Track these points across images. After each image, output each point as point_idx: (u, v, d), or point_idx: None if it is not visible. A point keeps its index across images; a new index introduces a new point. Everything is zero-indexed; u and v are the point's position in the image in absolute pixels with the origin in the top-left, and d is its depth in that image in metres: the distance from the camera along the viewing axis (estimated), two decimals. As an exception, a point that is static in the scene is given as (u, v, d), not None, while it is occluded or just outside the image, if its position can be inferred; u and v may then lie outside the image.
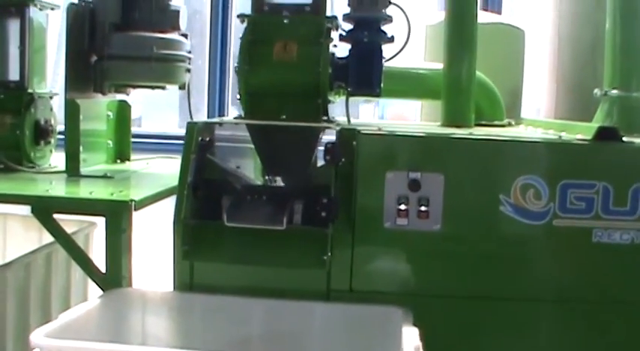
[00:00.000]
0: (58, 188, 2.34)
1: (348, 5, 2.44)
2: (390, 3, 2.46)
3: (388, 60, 2.57)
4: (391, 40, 2.45)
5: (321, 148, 2.15)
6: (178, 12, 2.69)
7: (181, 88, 2.79)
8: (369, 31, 2.41)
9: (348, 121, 2.57)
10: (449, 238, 2.05)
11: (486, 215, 2.03)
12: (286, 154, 2.13)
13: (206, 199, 2.07)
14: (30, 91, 2.73)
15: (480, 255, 2.05)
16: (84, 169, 2.63)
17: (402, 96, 3.15)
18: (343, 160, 2.06)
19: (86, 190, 2.25)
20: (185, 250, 2.07)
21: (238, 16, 2.42)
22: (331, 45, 2.40)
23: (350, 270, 2.09)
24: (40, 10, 2.75)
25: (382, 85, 2.47)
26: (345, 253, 2.08)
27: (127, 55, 2.62)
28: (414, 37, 2.71)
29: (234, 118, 2.45)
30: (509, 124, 2.90)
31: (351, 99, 2.46)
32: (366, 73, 2.41)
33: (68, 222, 2.66)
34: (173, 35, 2.70)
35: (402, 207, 2.04)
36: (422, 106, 3.52)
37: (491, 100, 2.89)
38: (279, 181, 2.16)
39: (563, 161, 2.04)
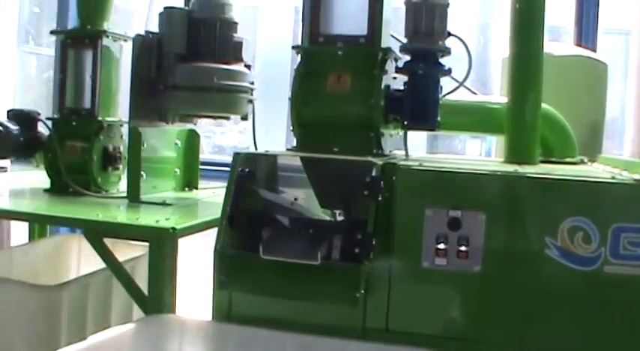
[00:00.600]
0: (111, 213, 2.41)
1: (405, 36, 2.40)
2: (450, 34, 2.40)
3: (447, 94, 2.50)
4: (448, 72, 2.38)
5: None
6: (241, 43, 2.73)
7: (243, 118, 2.83)
8: (424, 62, 2.35)
9: (406, 154, 2.51)
10: (490, 280, 1.93)
11: (530, 258, 1.91)
12: (328, 186, 2.10)
13: (245, 231, 2.06)
14: (100, 118, 2.84)
15: (523, 301, 1.92)
16: (149, 196, 2.70)
17: (467, 130, 3.05)
18: (382, 195, 1.99)
19: (136, 216, 2.31)
20: (221, 280, 2.07)
21: (293, 48, 2.43)
22: (387, 77, 2.37)
23: (386, 309, 2.01)
24: (113, 41, 2.87)
25: (439, 118, 2.41)
26: (381, 292, 2.01)
27: (189, 85, 2.68)
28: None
29: (287, 149, 2.45)
30: (582, 162, 2.74)
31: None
32: (420, 106, 2.35)
33: (137, 247, 2.75)
34: (235, 66, 2.74)
35: (441, 246, 1.95)
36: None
37: (561, 135, 2.74)
38: (322, 215, 2.12)
39: (615, 202, 1.89)
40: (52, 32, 2.88)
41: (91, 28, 2.85)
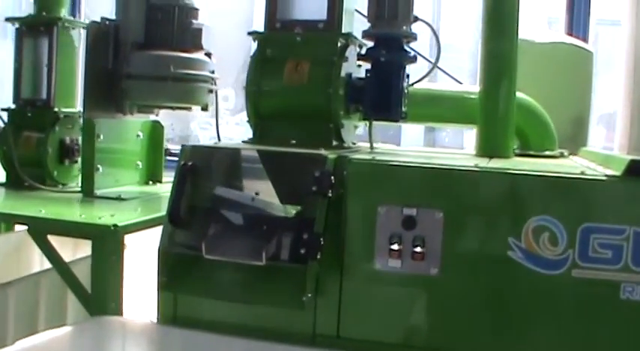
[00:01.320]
0: (57, 209, 2.27)
1: (368, 21, 2.26)
2: (417, 19, 2.25)
3: (414, 83, 2.36)
4: (413, 59, 2.24)
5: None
6: (201, 30, 2.59)
7: (204, 109, 2.69)
8: (387, 49, 2.20)
9: (371, 147, 2.37)
10: (449, 285, 1.79)
11: (492, 261, 1.76)
12: (278, 181, 1.95)
13: (189, 228, 1.93)
14: (56, 109, 2.71)
15: (484, 307, 1.77)
16: (106, 190, 2.57)
17: (436, 121, 2.89)
18: (333, 191, 1.85)
19: (82, 213, 2.18)
20: (164, 281, 1.93)
21: (249, 34, 2.29)
22: (349, 64, 2.23)
23: (337, 314, 1.88)
24: (72, 28, 2.73)
25: (405, 108, 2.27)
26: (332, 295, 1.87)
27: (145, 74, 2.55)
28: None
29: (243, 142, 2.31)
30: (561, 156, 2.58)
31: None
32: (382, 95, 2.21)
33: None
34: (194, 54, 2.60)
35: (395, 246, 1.80)
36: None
37: (539, 127, 2.59)
38: (271, 212, 1.98)
39: (585, 200, 1.74)
40: (7, 19, 2.75)
41: (46, 15, 2.72)
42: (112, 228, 2.01)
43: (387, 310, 1.84)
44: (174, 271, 1.93)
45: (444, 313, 1.81)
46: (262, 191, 1.92)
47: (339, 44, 2.20)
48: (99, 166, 2.56)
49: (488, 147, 2.31)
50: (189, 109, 2.71)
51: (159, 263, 1.93)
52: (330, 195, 1.84)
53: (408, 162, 1.86)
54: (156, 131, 2.93)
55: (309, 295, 1.80)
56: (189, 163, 1.95)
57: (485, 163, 1.94)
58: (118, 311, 2.11)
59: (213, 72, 2.66)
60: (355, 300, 1.86)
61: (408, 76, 2.29)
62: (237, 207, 1.94)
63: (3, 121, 2.72)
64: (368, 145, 2.36)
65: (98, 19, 2.55)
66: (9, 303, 2.33)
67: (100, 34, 2.54)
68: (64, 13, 2.77)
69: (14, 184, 2.69)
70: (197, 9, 2.64)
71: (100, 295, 2.08)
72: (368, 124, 2.37)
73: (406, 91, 2.25)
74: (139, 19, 2.57)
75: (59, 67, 2.70)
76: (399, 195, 1.82)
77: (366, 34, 2.25)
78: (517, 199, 1.77)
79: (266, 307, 1.91)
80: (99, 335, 1.95)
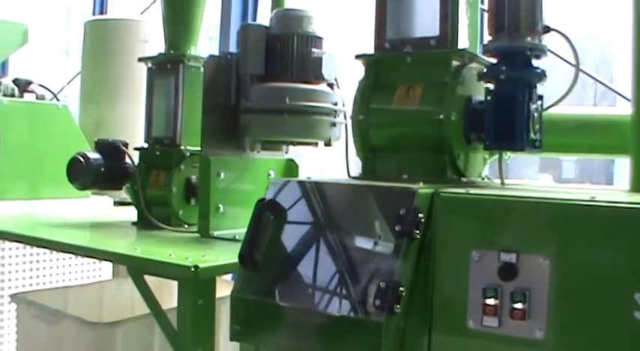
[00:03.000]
0: (154, 248, 2.18)
1: (489, 34, 1.93)
2: (549, 29, 1.89)
3: (550, 106, 1.97)
4: (540, 76, 1.86)
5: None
6: (320, 59, 2.41)
7: (327, 144, 2.49)
8: (509, 65, 1.86)
9: (502, 182, 2.02)
10: (557, 352, 1.39)
11: (613, 323, 1.34)
12: (363, 221, 1.68)
13: (264, 272, 1.72)
14: (182, 147, 2.68)
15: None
16: (228, 231, 2.45)
17: (581, 151, 2.41)
18: (421, 232, 1.55)
19: (180, 252, 2.06)
20: (235, 330, 1.74)
21: (356, 58, 2.07)
22: (469, 86, 1.92)
23: (426, 381, 1.55)
24: (196, 67, 2.70)
25: (539, 136, 1.89)
26: (419, 357, 1.55)
27: (261, 108, 2.41)
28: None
29: (351, 177, 2.08)
30: None
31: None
32: (504, 121, 1.85)
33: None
34: (314, 85, 2.42)
35: (491, 301, 1.45)
36: None
37: None
38: (354, 255, 1.71)
39: None
40: (139, 60, 2.79)
41: (173, 53, 2.72)
42: (193, 269, 1.86)
43: (484, 381, 1.48)
44: (246, 318, 1.73)
45: (554, 389, 1.41)
46: (347, 231, 1.67)
47: (453, 63, 1.91)
48: (220, 205, 2.46)
49: (643, 180, 1.85)
50: (312, 144, 2.52)
51: (231, 310, 1.74)
52: (417, 237, 1.54)
53: (507, 195, 1.50)
54: (290, 170, 2.78)
55: (385, 354, 1.50)
56: (268, 199, 1.76)
57: (621, 197, 1.52)
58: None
59: (336, 104, 2.46)
60: (445, 364, 1.53)
61: (541, 97, 1.92)
62: (315, 249, 1.70)
63: (131, 159, 2.74)
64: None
65: (217, 53, 2.48)
66: (116, 342, 2.27)
67: (220, 68, 2.47)
68: (193, 50, 2.75)
69: (145, 223, 2.68)
70: (320, 37, 2.47)
71: (184, 341, 1.93)
72: (499, 158, 2.03)
73: (536, 114, 1.88)
74: (258, 51, 2.45)
75: (185, 104, 2.67)
76: (497, 237, 1.47)
77: (485, 50, 1.92)
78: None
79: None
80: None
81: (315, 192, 1.75)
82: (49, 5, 7.51)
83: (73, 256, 3.05)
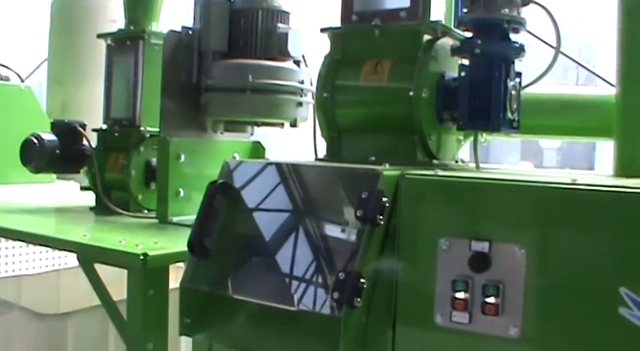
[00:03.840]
0: (105, 235, 2.03)
1: (464, 6, 1.79)
2: (529, 1, 1.75)
3: (528, 85, 1.84)
4: (519, 51, 1.72)
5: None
6: (286, 35, 2.26)
7: (292, 125, 2.34)
8: (485, 39, 1.72)
9: (477, 165, 1.88)
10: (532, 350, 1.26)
11: (595, 319, 1.21)
12: (324, 205, 1.54)
13: (217, 261, 1.58)
14: (141, 128, 2.52)
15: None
16: (189, 217, 2.30)
17: (563, 133, 2.28)
18: (386, 218, 1.41)
19: (130, 239, 1.91)
20: (185, 323, 1.59)
21: (322, 31, 1.92)
22: (442, 62, 1.78)
23: (390, 381, 1.42)
24: (158, 44, 2.53)
25: (517, 116, 1.76)
26: (383, 355, 1.42)
27: (223, 86, 2.26)
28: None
29: (316, 159, 1.94)
30: None
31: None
32: (479, 100, 1.72)
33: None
34: (279, 63, 2.27)
35: (461, 295, 1.31)
36: None
37: None
38: (313, 243, 1.57)
39: None
40: (98, 36, 2.62)
41: (133, 29, 2.55)
42: (142, 257, 1.71)
43: (451, 381, 1.35)
44: (197, 311, 1.59)
45: (528, 391, 1.28)
46: (306, 216, 1.53)
47: (424, 36, 1.77)
48: (180, 189, 2.31)
49: (628, 164, 1.72)
50: (277, 125, 2.38)
51: (180, 301, 1.60)
52: (381, 223, 1.40)
53: (479, 178, 1.36)
54: (257, 153, 2.63)
55: (345, 353, 1.37)
56: (220, 182, 1.61)
57: (604, 180, 1.38)
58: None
59: (303, 82, 2.32)
60: (410, 363, 1.39)
61: (519, 74, 1.78)
62: (273, 236, 1.56)
63: (88, 141, 2.58)
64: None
65: (178, 29, 2.32)
66: (67, 334, 2.12)
67: (181, 45, 2.31)
68: (154, 26, 2.59)
69: (103, 209, 2.52)
70: (286, 12, 2.32)
71: (135, 335, 1.79)
72: (474, 139, 1.90)
73: (514, 92, 1.74)
74: (221, 26, 2.30)
75: (145, 83, 2.51)
76: (468, 223, 1.33)
77: (459, 23, 1.78)
78: (632, 231, 1.20)
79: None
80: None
81: (272, 174, 1.61)
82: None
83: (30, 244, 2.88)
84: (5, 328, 2.22)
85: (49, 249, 3.04)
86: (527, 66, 1.84)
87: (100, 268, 1.98)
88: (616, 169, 1.75)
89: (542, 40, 1.94)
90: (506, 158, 6.88)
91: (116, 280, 2.14)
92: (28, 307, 2.28)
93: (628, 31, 1.74)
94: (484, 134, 1.90)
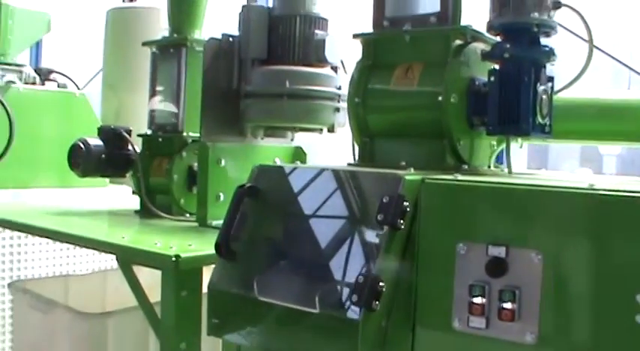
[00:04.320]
0: (143, 237, 2.10)
1: (493, 10, 1.78)
2: (560, 4, 1.73)
3: (561, 90, 1.82)
4: (549, 55, 1.71)
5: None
6: (323, 41, 2.29)
7: (330, 130, 2.37)
8: (514, 44, 1.71)
9: (509, 171, 1.87)
10: (550, 358, 1.25)
11: (612, 326, 1.19)
12: (348, 209, 1.55)
13: (242, 263, 1.61)
14: (184, 134, 2.58)
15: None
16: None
17: (598, 138, 2.23)
18: (407, 222, 1.41)
19: (167, 241, 1.97)
20: (213, 324, 1.63)
21: (354, 37, 1.94)
22: (474, 66, 1.77)
23: (409, 384, 1.42)
24: (200, 51, 2.59)
25: (547, 121, 1.74)
26: (402, 359, 1.42)
27: (261, 92, 2.30)
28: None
29: (348, 164, 1.95)
30: None
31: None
32: (508, 104, 1.70)
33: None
34: (316, 68, 2.30)
35: (478, 300, 1.31)
36: None
37: None
38: (336, 246, 1.58)
39: None
40: (143, 44, 2.70)
41: (176, 37, 2.62)
42: (174, 259, 1.76)
43: (469, 387, 1.34)
44: (225, 312, 1.62)
45: (545, 398, 1.27)
46: (332, 221, 1.54)
47: (454, 41, 1.77)
48: (220, 193, 2.36)
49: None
50: (315, 130, 2.40)
51: (208, 302, 1.64)
52: (401, 227, 1.41)
53: (496, 182, 1.36)
54: (298, 158, 2.66)
55: (364, 355, 1.38)
56: (248, 186, 1.65)
57: (626, 186, 1.36)
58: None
59: (340, 88, 2.34)
60: (429, 368, 1.39)
61: (551, 79, 1.76)
62: (299, 239, 1.58)
63: (132, 146, 2.66)
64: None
65: (219, 36, 2.38)
66: (109, 332, 2.20)
67: (221, 52, 2.36)
68: (197, 33, 2.65)
69: (147, 212, 2.59)
70: (324, 18, 2.35)
71: (168, 334, 1.84)
72: (506, 144, 1.88)
73: (544, 97, 1.72)
74: (260, 33, 2.34)
75: (188, 89, 2.57)
76: (485, 228, 1.33)
77: (489, 27, 1.77)
78: (656, 239, 1.18)
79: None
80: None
81: (300, 178, 1.63)
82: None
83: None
84: (50, 325, 2.31)
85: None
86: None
87: (145, 271, 2.05)
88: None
89: (577, 35, 1.91)
90: (564, 165, 6.74)
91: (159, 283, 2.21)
92: (73, 306, 2.36)
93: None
94: (519, 139, 1.89)
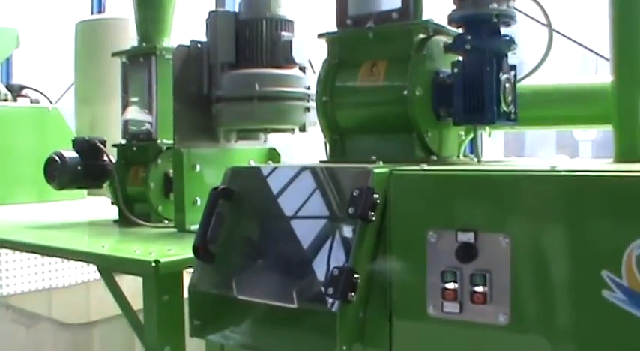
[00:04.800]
0: (121, 245, 2.11)
1: (453, 3, 1.82)
2: (517, -7, 1.78)
3: (525, 77, 1.86)
4: (509, 44, 1.75)
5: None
6: (290, 43, 2.32)
7: (302, 130, 2.40)
8: (475, 35, 1.75)
9: (478, 160, 1.91)
10: (521, 337, 1.29)
11: (580, 304, 1.23)
12: (319, 205, 1.59)
13: (220, 264, 1.64)
14: (158, 141, 2.60)
15: (572, 369, 1.25)
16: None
17: (561, 123, 2.28)
18: (376, 214, 1.45)
19: (145, 248, 1.99)
20: (195, 326, 1.65)
21: (319, 36, 1.97)
22: (437, 60, 1.81)
23: (389, 373, 1.45)
24: (170, 59, 2.61)
25: (514, 109, 1.78)
26: (382, 350, 1.45)
27: (231, 95, 2.33)
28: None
29: (320, 162, 1.98)
30: None
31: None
32: (472, 94, 1.75)
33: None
34: (285, 70, 2.33)
35: (450, 285, 1.35)
36: None
37: None
38: (310, 242, 1.61)
39: None
40: (113, 55, 2.72)
41: (145, 46, 2.64)
42: (153, 264, 1.78)
43: (447, 371, 1.38)
44: (206, 313, 1.65)
45: (520, 377, 1.30)
46: (305, 217, 1.58)
47: (417, 36, 1.80)
48: (197, 198, 2.38)
49: (627, 150, 1.73)
50: (287, 131, 2.43)
51: (189, 304, 1.66)
52: (373, 219, 1.44)
53: (461, 170, 1.40)
54: (273, 159, 2.69)
55: (344, 348, 1.41)
56: (221, 188, 1.67)
57: (588, 166, 1.40)
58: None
59: (309, 87, 2.37)
60: (408, 355, 1.43)
61: (513, 67, 1.81)
62: (273, 237, 1.61)
63: (108, 157, 2.67)
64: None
65: (187, 43, 2.40)
66: (94, 342, 2.21)
67: (190, 58, 2.39)
68: (166, 41, 2.67)
69: (126, 221, 2.61)
70: (290, 20, 2.38)
71: (152, 338, 1.86)
72: (473, 133, 1.93)
73: (508, 85, 1.77)
74: (227, 38, 2.36)
75: (160, 97, 2.59)
76: (453, 215, 1.36)
77: (450, 20, 1.81)
78: (615, 216, 1.22)
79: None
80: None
81: (272, 178, 1.66)
82: (47, 10, 7.49)
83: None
84: (34, 338, 2.32)
85: (81, 262, 3.15)
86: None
87: (128, 280, 2.06)
88: (616, 155, 1.77)
89: (536, 20, 1.96)
90: (540, 152, 6.81)
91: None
92: (57, 318, 2.37)
93: (618, 20, 1.75)
94: (486, 128, 1.93)
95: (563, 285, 1.25)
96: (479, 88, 1.73)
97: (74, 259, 2.19)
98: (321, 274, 1.47)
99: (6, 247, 2.56)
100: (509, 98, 1.78)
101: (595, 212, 1.23)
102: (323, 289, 1.43)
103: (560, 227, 1.25)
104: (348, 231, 1.46)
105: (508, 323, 1.29)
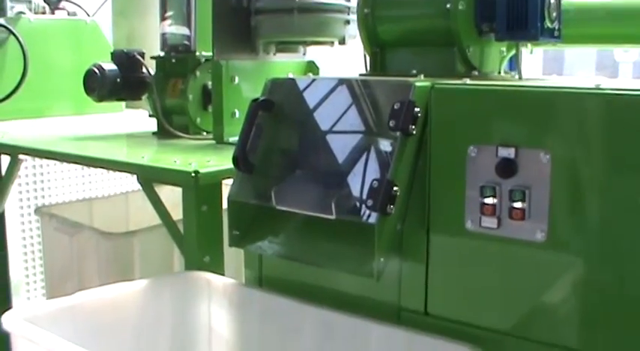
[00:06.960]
0: (162, 156, 2.14)
1: None
2: None
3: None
4: (560, -45, 1.68)
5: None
6: (334, -47, 2.26)
7: (341, 43, 2.37)
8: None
9: (519, 76, 1.87)
10: (559, 256, 1.29)
11: (622, 223, 1.22)
12: (361, 117, 1.58)
13: (261, 175, 1.65)
14: (197, 53, 2.59)
15: (607, 286, 1.25)
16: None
17: (612, 42, 2.20)
18: (417, 128, 1.44)
19: (186, 159, 2.01)
20: (234, 236, 1.69)
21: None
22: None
23: (424, 286, 1.48)
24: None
25: (558, 25, 1.73)
26: (418, 263, 1.47)
27: (271, 7, 2.30)
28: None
29: (360, 75, 1.96)
30: None
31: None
32: (515, 9, 1.69)
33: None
34: (326, -19, 2.28)
35: (489, 200, 1.35)
36: None
37: None
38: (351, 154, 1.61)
39: None
40: (151, -36, 2.68)
41: (184, -46, 2.60)
42: (193, 174, 1.81)
43: (482, 285, 1.40)
44: (245, 223, 1.68)
45: (554, 295, 1.31)
46: (345, 129, 1.57)
47: (463, -62, 1.74)
48: (236, 110, 2.39)
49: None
50: (326, 43, 2.40)
51: (228, 214, 1.69)
52: (413, 133, 1.44)
53: (504, 85, 1.38)
54: (311, 72, 2.66)
55: (382, 260, 1.43)
56: (262, 99, 1.67)
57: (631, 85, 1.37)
58: (215, 266, 1.92)
59: (349, 0, 2.32)
60: (444, 270, 1.45)
61: (563, -18, 1.74)
62: (314, 149, 1.61)
63: (147, 69, 2.67)
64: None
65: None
66: (134, 251, 2.28)
67: (231, -33, 2.34)
68: (206, -51, 2.62)
69: (164, 133, 2.63)
70: None
71: (191, 248, 1.91)
72: (516, 49, 1.88)
73: (553, 1, 1.71)
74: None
75: (199, 8, 2.56)
76: (494, 130, 1.35)
77: None
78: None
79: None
80: (174, 290, 1.78)
81: (312, 90, 1.65)
82: None
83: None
84: (77, 247, 2.40)
85: (120, 173, 3.20)
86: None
87: (166, 191, 2.10)
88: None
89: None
90: (579, 72, 6.65)
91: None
92: (99, 227, 2.44)
93: None
94: (528, 45, 1.88)
95: (602, 205, 1.24)
96: (523, 3, 1.68)
97: (114, 170, 2.23)
98: (359, 186, 1.48)
99: (47, 158, 2.60)
100: (554, 14, 1.72)
101: (632, 131, 1.20)
102: (360, 201, 1.45)
103: (603, 145, 1.24)
104: (387, 144, 1.46)
105: (545, 240, 1.29)
